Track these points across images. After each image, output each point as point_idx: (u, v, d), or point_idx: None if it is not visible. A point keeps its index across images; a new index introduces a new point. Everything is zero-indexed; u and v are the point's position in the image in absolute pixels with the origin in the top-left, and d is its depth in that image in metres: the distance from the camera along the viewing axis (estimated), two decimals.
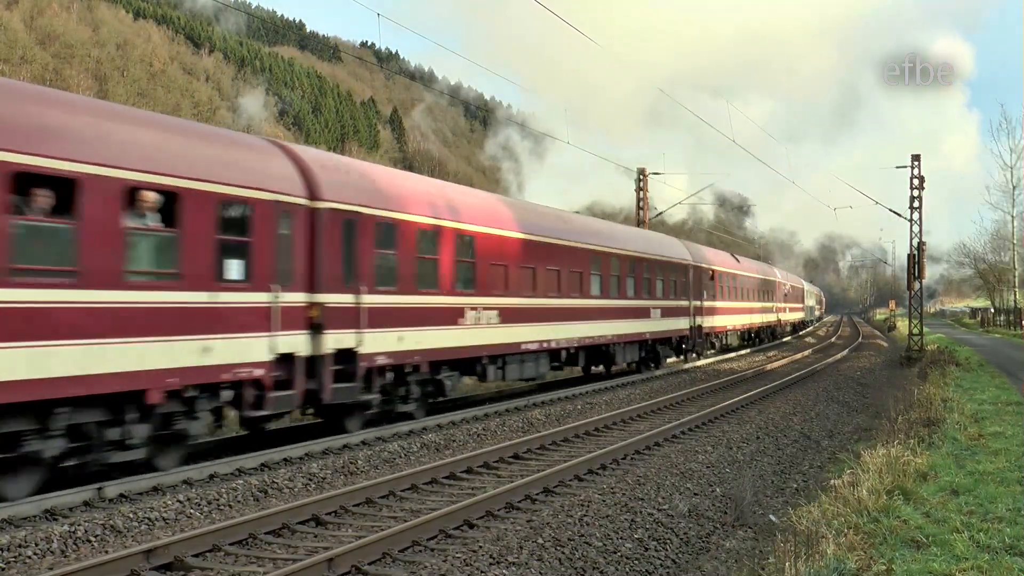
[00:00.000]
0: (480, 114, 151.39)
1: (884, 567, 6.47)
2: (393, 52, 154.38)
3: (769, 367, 29.29)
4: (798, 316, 58.97)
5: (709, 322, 30.92)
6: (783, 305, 49.57)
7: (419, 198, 15.08)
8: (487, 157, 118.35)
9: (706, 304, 30.39)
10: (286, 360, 11.63)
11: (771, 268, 50.21)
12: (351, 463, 11.44)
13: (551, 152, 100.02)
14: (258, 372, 11.10)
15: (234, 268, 10.93)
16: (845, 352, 38.72)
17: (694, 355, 30.08)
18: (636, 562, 8.04)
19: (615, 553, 8.05)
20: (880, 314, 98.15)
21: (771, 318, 45.65)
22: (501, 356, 17.10)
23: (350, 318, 12.76)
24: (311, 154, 13.39)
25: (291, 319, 11.72)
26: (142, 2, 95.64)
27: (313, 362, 12.16)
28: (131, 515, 8.50)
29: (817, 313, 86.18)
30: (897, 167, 34.87)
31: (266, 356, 11.25)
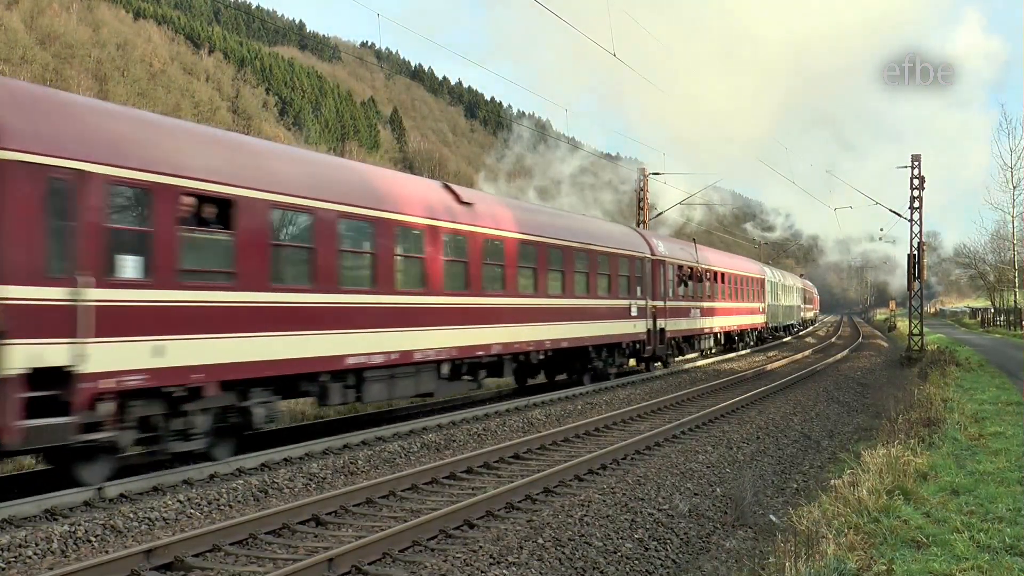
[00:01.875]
0: (480, 114, 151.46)
1: (884, 567, 6.47)
2: (393, 51, 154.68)
3: (769, 367, 29.28)
4: (745, 321, 38.03)
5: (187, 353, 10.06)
6: (683, 304, 27.98)
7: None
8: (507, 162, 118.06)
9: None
10: None
11: (643, 237, 25.81)
12: (351, 463, 11.45)
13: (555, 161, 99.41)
14: None
15: None
16: (845, 352, 38.72)
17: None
18: (636, 562, 8.04)
19: (615, 553, 8.05)
20: (880, 314, 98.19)
21: (616, 329, 22.15)
22: None
23: None
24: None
25: None
26: (142, 2, 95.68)
27: None
28: (131, 515, 8.51)
29: (807, 314, 68.89)
30: (898, 167, 34.88)
31: None
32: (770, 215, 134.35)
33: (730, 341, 36.68)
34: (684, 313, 28.04)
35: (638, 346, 23.89)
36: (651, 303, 24.63)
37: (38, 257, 8.59)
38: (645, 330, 23.98)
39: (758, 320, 41.28)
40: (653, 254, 25.34)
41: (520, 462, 12.11)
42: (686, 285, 28.41)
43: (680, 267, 27.86)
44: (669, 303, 26.16)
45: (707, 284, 30.87)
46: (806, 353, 38.70)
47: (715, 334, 32.95)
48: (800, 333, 61.29)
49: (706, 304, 30.80)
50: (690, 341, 29.53)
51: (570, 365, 21.04)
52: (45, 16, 73.62)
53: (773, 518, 9.80)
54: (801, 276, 76.10)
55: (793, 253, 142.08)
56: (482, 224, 16.32)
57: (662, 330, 25.38)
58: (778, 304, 47.34)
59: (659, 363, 26.69)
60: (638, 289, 23.71)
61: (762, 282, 42.33)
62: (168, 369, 9.77)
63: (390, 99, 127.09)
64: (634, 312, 23.19)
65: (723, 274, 33.72)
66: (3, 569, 7.14)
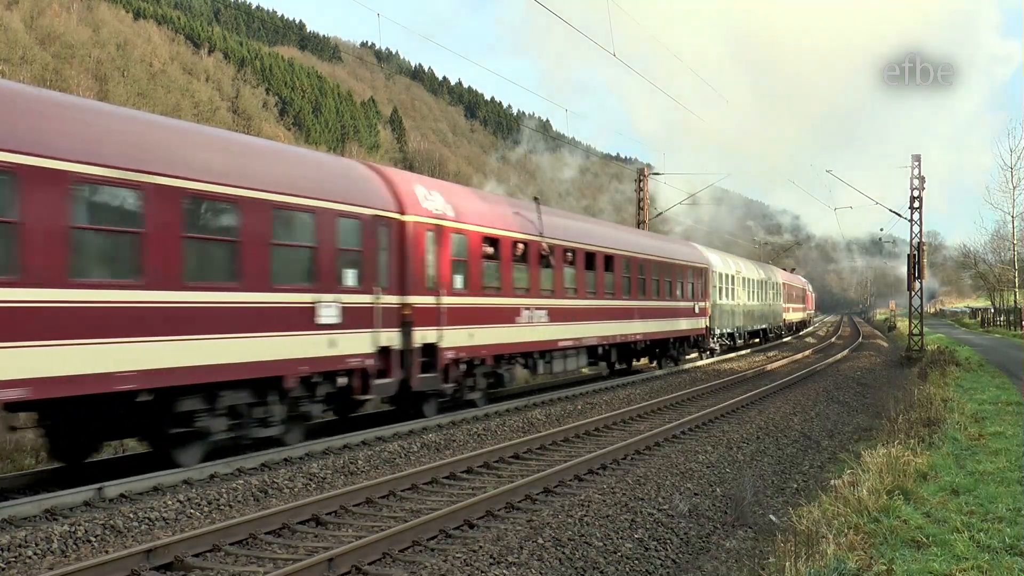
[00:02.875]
0: (480, 114, 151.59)
1: (884, 567, 6.47)
2: (393, 52, 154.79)
3: (769, 367, 29.28)
4: (660, 327, 25.87)
5: None
6: (495, 302, 16.97)
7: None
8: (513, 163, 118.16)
9: None
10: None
11: (383, 178, 14.55)
12: (351, 463, 11.45)
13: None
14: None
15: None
16: (845, 352, 38.73)
17: None
18: (636, 562, 8.04)
19: (615, 553, 8.05)
20: (880, 314, 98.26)
21: (272, 351, 11.43)
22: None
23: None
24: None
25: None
26: (142, 2, 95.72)
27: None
28: (131, 515, 8.51)
29: (794, 315, 57.73)
30: (899, 167, 34.93)
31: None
32: (776, 216, 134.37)
33: (630, 355, 25.49)
34: (499, 317, 16.97)
35: (353, 381, 13.13)
36: (390, 300, 13.81)
37: None
38: (371, 350, 13.27)
39: (688, 325, 28.61)
40: (403, 212, 14.27)
41: (520, 462, 12.11)
42: (510, 270, 17.43)
43: (489, 239, 16.79)
44: (449, 300, 15.24)
45: (566, 270, 19.90)
46: (806, 353, 38.73)
47: (590, 347, 21.29)
48: (800, 334, 60.79)
49: (565, 302, 19.69)
50: (529, 361, 18.54)
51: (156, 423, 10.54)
52: (45, 16, 73.71)
53: (773, 518, 9.80)
54: (793, 271, 70.08)
55: (792, 252, 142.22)
56: None
57: (432, 347, 14.76)
58: (734, 303, 35.96)
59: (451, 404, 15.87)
60: (349, 275, 12.95)
61: (703, 272, 30.56)
62: None
63: (390, 99, 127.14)
64: (329, 318, 12.43)
65: (611, 256, 22.32)
66: (3, 569, 7.14)
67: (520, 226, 18.17)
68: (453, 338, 15.35)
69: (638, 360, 26.87)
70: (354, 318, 12.99)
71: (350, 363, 12.95)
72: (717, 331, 32.76)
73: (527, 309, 18.03)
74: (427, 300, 14.72)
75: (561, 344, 19.53)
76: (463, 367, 15.88)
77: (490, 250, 16.86)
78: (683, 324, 28.15)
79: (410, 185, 15.10)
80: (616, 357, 23.79)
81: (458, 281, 15.74)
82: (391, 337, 13.84)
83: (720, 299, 33.31)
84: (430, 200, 15.25)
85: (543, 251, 18.69)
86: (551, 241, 19.07)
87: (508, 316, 17.40)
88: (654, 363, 27.49)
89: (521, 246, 18.03)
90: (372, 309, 13.43)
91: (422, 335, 14.52)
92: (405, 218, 14.36)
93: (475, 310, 16.18)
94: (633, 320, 23.68)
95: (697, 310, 29.61)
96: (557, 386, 21.69)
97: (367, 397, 13.61)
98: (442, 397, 15.58)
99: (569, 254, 20.16)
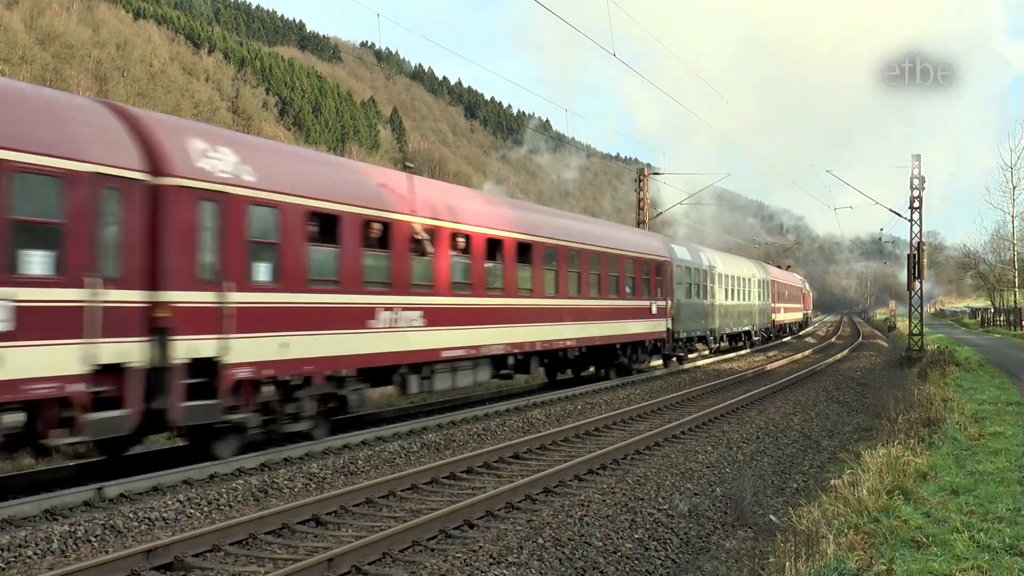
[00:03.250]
0: (480, 114, 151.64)
1: (884, 567, 6.47)
2: (393, 52, 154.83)
3: (769, 367, 29.28)
4: (603, 331, 21.72)
5: None
6: (311, 300, 12.18)
7: None
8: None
9: None
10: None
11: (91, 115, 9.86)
12: (351, 463, 11.45)
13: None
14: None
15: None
16: (845, 352, 38.73)
17: None
18: (636, 562, 8.04)
19: (615, 553, 8.05)
20: (880, 314, 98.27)
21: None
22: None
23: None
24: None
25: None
26: (142, 2, 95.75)
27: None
28: (131, 515, 8.51)
29: (786, 316, 52.97)
30: (899, 167, 34.94)
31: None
32: (777, 216, 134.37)
33: (561, 365, 21.79)
34: (338, 320, 12.76)
35: (42, 418, 8.92)
36: (127, 297, 9.70)
37: None
38: (81, 370, 9.06)
39: (642, 328, 24.34)
40: (158, 171, 10.15)
41: (520, 462, 12.11)
42: (357, 258, 13.15)
43: (321, 216, 12.51)
44: (242, 296, 11.06)
45: (456, 260, 15.73)
46: (806, 353, 38.73)
47: (495, 357, 17.08)
48: (800, 334, 60.67)
49: (453, 301, 15.57)
50: (395, 376, 14.37)
51: None
52: (45, 16, 73.76)
53: (773, 518, 9.80)
54: (789, 268, 66.70)
55: (793, 252, 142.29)
56: None
57: (211, 363, 10.60)
58: (707, 302, 31.50)
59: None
60: (34, 258, 8.78)
61: (662, 265, 26.12)
62: None
63: (390, 99, 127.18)
64: None
65: (527, 244, 18.11)
66: (3, 569, 7.14)
67: (377, 201, 13.76)
68: (250, 350, 11.07)
69: (585, 369, 23.24)
70: (42, 323, 8.72)
71: (33, 391, 8.61)
72: (683, 334, 28.14)
73: (388, 310, 13.72)
74: (201, 297, 10.50)
75: (446, 355, 15.25)
76: (271, 389, 11.62)
77: (323, 231, 12.61)
78: (635, 327, 23.72)
79: (177, 135, 10.77)
80: (537, 368, 19.63)
81: (261, 271, 11.44)
82: (125, 350, 9.56)
83: (689, 297, 28.99)
84: (213, 158, 10.94)
85: (416, 235, 14.39)
86: (430, 223, 14.81)
87: (354, 319, 13.05)
88: (603, 371, 23.59)
89: (378, 227, 13.60)
90: (82, 309, 9.10)
91: (191, 346, 10.26)
92: (162, 180, 10.09)
93: (292, 311, 11.85)
94: (562, 323, 19.39)
95: (655, 310, 25.13)
96: (556, 386, 21.71)
97: (69, 441, 9.12)
98: (242, 431, 11.35)
99: (460, 240, 15.83)
